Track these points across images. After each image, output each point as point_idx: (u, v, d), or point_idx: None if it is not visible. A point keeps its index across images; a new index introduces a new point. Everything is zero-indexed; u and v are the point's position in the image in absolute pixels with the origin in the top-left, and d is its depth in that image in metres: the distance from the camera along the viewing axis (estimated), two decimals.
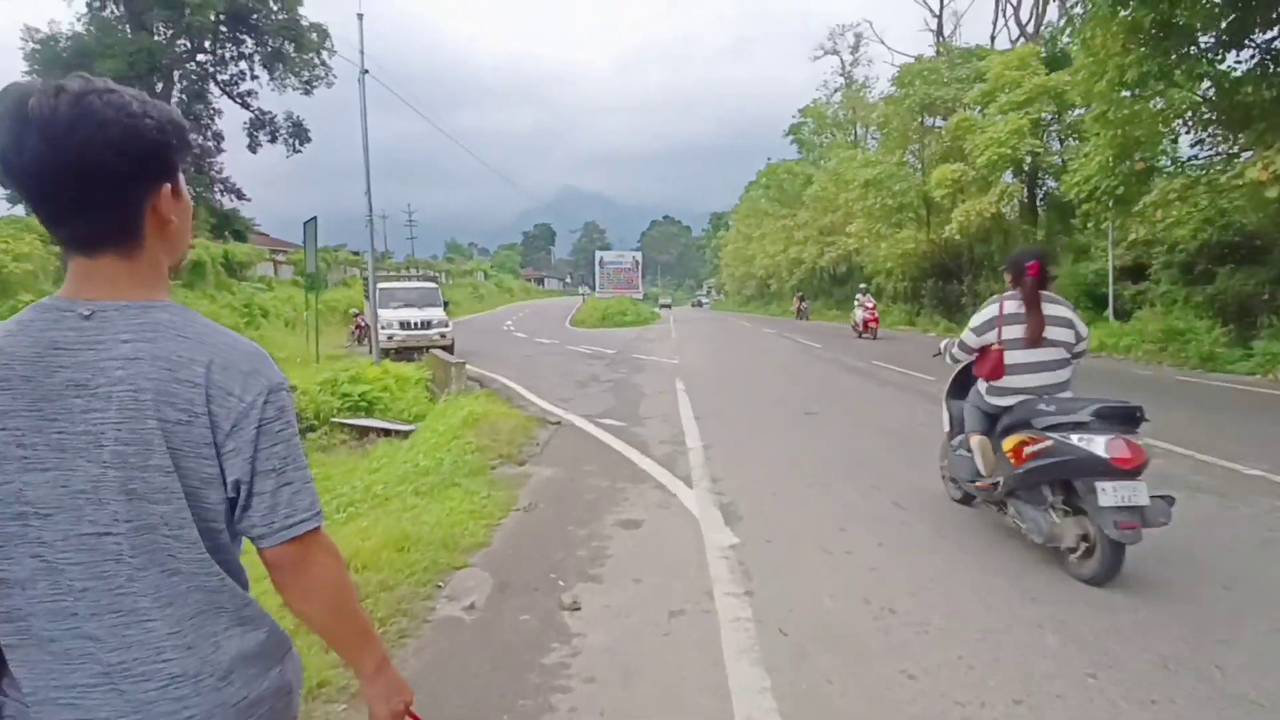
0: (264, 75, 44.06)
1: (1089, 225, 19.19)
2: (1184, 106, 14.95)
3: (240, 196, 45.60)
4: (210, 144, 44.95)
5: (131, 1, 38.46)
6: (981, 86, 25.75)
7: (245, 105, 45.26)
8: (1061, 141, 26.02)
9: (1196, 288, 18.47)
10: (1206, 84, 14.20)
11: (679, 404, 11.07)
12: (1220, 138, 15.83)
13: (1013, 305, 4.65)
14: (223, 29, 41.61)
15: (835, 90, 58.03)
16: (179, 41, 41.31)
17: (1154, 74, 13.74)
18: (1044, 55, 25.76)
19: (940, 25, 39.87)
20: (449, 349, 20.22)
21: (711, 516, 5.40)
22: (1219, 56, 14.35)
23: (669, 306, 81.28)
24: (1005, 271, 4.94)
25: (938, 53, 36.79)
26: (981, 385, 4.76)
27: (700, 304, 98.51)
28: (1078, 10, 15.97)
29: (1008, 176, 25.91)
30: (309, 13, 42.12)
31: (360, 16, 16.28)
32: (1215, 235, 17.57)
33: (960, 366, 5.26)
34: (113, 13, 40.33)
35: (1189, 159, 17.39)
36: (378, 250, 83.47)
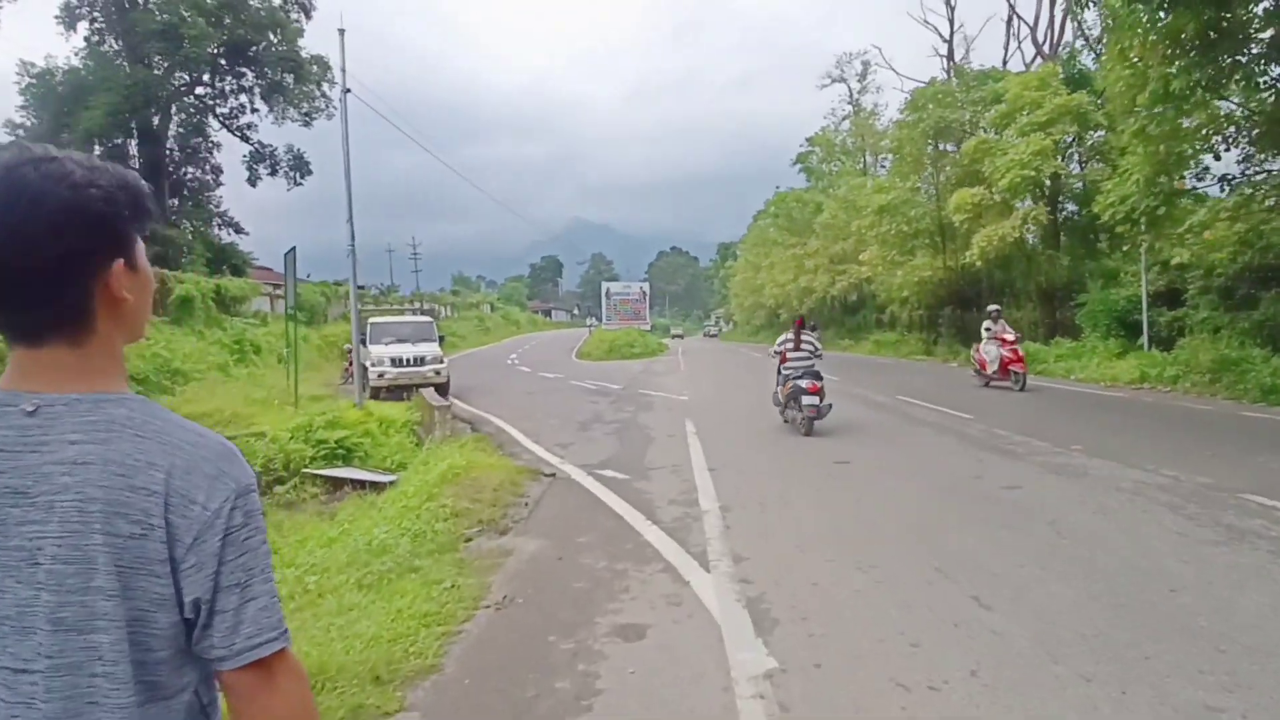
0: (264, 108, 43.75)
1: (1124, 248, 17.98)
2: (1235, 118, 13.79)
3: (238, 230, 45.05)
4: (209, 177, 44.60)
5: (129, 35, 38.15)
6: (1000, 108, 24.74)
7: (245, 138, 44.82)
8: (1083, 164, 24.93)
9: (1240, 314, 17.21)
10: (1268, 94, 13.01)
11: (690, 450, 9.84)
12: (1273, 154, 14.66)
13: (791, 335, 11.89)
14: (222, 61, 41.28)
15: (843, 118, 57.54)
16: (177, 75, 40.95)
17: (1202, 84, 12.61)
18: (1062, 76, 24.82)
19: (951, 50, 39.21)
20: (444, 387, 19.08)
21: (737, 620, 4.14)
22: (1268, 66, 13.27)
23: (681, 337, 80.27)
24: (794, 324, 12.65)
25: (949, 76, 35.98)
26: (781, 366, 11.78)
27: (710, 335, 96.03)
28: (1095, 30, 14.95)
29: (1025, 202, 24.86)
30: (311, 44, 41.86)
31: (341, 32, 15.40)
32: (1255, 258, 16.37)
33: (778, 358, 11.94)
34: (111, 47, 40.05)
35: (1232, 177, 16.25)
36: (383, 285, 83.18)
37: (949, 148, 29.75)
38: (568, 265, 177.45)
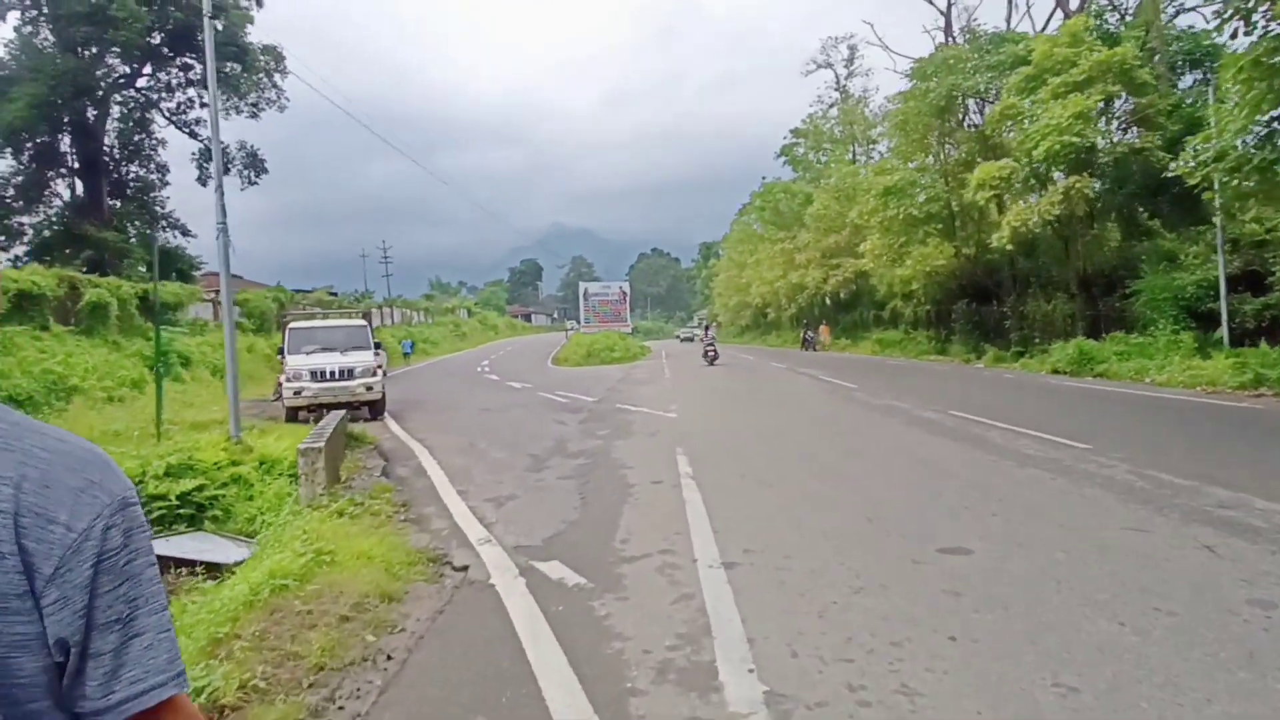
0: (222, 106, 39.99)
1: (1215, 218, 14.80)
2: None
3: (185, 233, 41.18)
4: (153, 176, 40.77)
5: (59, 21, 34.37)
6: (1024, 70, 21.57)
7: (193, 134, 41.07)
8: (1125, 130, 21.78)
9: None
10: None
11: (687, 512, 6.42)
12: None
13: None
14: (165, 50, 37.54)
15: (830, 105, 54.47)
16: (113, 63, 37.16)
17: None
18: (1095, 32, 21.72)
19: (949, 23, 36.08)
20: (377, 405, 15.58)
21: None
22: None
23: (692, 340, 63.35)
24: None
25: (950, 43, 32.80)
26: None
27: (687, 339, 71.16)
28: None
29: (1059, 175, 21.70)
30: (264, 36, 38.36)
31: None
32: None
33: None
34: (46, 39, 36.26)
35: None
36: (357, 291, 79.40)
37: (968, 117, 26.52)
38: (548, 270, 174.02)
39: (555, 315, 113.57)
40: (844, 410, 12.93)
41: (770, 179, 54.88)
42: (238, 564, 6.44)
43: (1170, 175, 15.23)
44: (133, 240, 38.31)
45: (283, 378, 14.91)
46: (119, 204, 39.41)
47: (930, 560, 4.90)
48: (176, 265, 38.81)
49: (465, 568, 5.27)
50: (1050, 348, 20.06)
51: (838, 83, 54.01)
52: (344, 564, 5.01)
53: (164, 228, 40.51)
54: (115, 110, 38.31)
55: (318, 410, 15.43)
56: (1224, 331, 16.05)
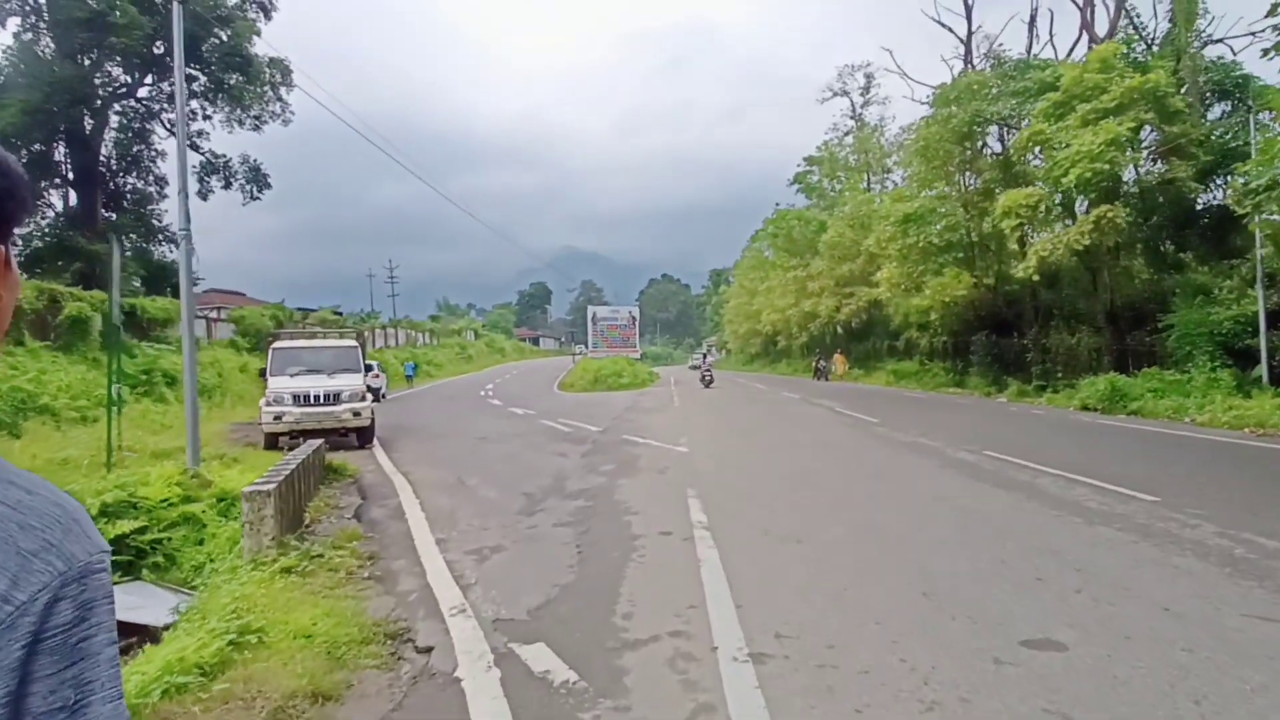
0: (216, 114, 39.73)
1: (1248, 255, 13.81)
2: None
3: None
4: (151, 189, 40.30)
5: (58, 28, 34.09)
6: (1051, 96, 20.75)
7: (195, 147, 40.68)
8: (1155, 160, 20.88)
9: None
10: None
11: (701, 571, 5.40)
12: None
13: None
14: (168, 59, 37.21)
15: (846, 133, 53.92)
16: (113, 72, 36.84)
17: None
18: (1126, 58, 20.93)
19: (969, 51, 35.45)
20: (365, 433, 14.60)
21: None
22: None
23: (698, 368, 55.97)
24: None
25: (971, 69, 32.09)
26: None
27: (695, 366, 59.72)
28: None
29: (1081, 205, 20.80)
30: (273, 49, 38.09)
31: None
32: None
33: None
34: (46, 47, 35.93)
35: None
36: (363, 311, 78.77)
37: (989, 144, 25.69)
38: (557, 293, 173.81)
39: (563, 339, 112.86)
40: (869, 448, 11.87)
41: (784, 205, 54.14)
42: (168, 627, 5.44)
43: (1202, 207, 14.41)
44: (129, 254, 37.76)
45: (263, 401, 13.96)
46: (115, 216, 38.92)
47: (1014, 659, 3.86)
48: (173, 280, 38.17)
49: (429, 649, 4.25)
50: (1078, 383, 18.99)
51: (853, 110, 53.53)
52: (275, 645, 4.00)
53: (160, 241, 39.98)
54: (114, 120, 37.99)
55: (299, 437, 14.50)
56: (1263, 369, 14.99)
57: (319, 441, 10.73)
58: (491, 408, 24.25)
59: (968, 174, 27.07)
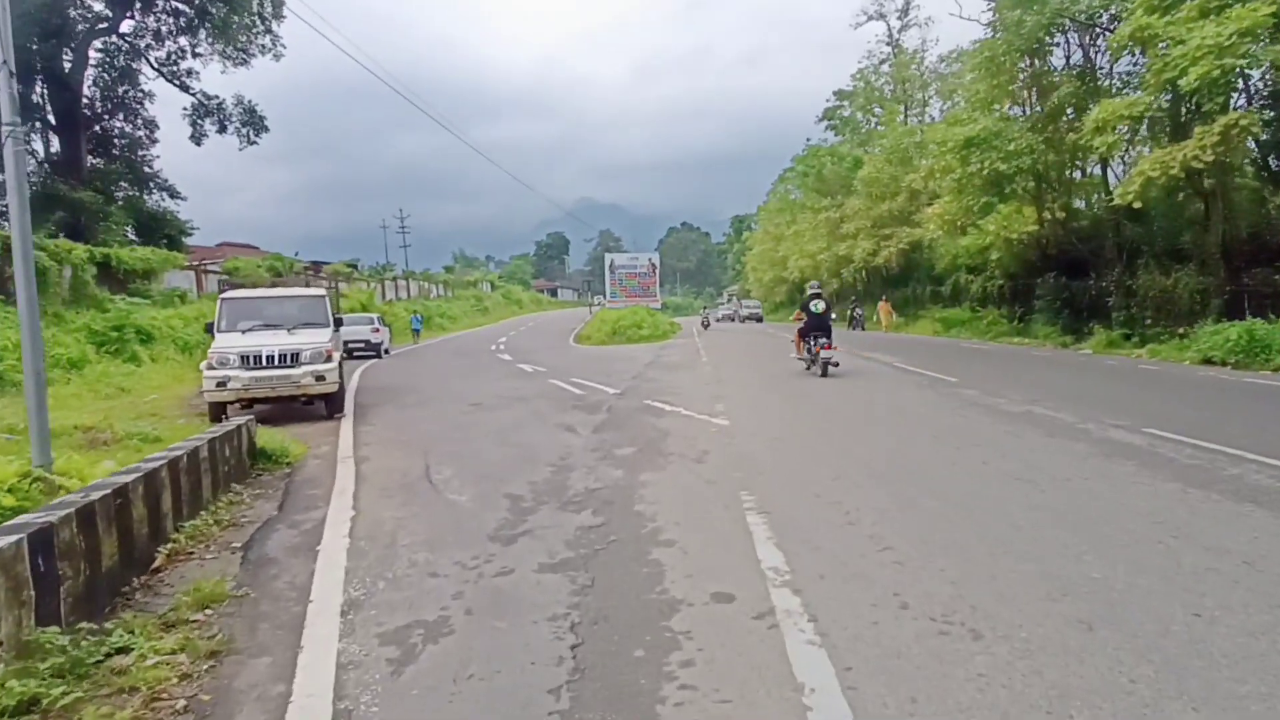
0: (206, 50, 36.69)
1: None
2: None
3: (174, 195, 37.94)
4: (140, 133, 37.55)
5: None
6: None
7: (185, 88, 37.77)
8: None
9: None
10: None
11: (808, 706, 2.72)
12: None
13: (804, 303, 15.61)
14: None
15: (882, 61, 49.63)
16: (91, 4, 33.82)
17: None
18: None
19: None
20: (333, 399, 12.00)
21: None
22: None
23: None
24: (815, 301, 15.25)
25: None
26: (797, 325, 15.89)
27: (733, 317, 59.94)
28: None
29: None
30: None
31: None
32: None
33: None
34: None
35: None
36: (379, 263, 76.26)
37: (1069, 50, 22.02)
38: (575, 244, 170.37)
39: (581, 290, 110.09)
40: (975, 424, 8.99)
41: (815, 141, 50.33)
42: None
43: None
44: (119, 202, 35.27)
45: (204, 364, 11.35)
46: (103, 163, 36.34)
47: None
48: (165, 230, 35.70)
49: None
50: (1193, 331, 15.93)
51: (890, 36, 49.14)
52: None
53: (152, 189, 37.40)
54: (95, 59, 35.11)
55: (251, 406, 11.94)
56: None
57: (245, 417, 8.10)
58: (498, 365, 21.64)
59: (1035, 91, 23.55)
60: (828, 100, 52.40)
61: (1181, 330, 17.02)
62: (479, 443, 9.19)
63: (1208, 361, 14.26)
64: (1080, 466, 6.49)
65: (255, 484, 7.26)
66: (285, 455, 8.31)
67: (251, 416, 8.39)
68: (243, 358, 11.28)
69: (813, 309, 14.98)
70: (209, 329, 12.36)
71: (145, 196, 37.19)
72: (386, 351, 29.70)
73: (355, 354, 27.67)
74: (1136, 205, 16.45)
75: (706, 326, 41.74)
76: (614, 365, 19.69)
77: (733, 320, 58.16)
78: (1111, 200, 18.16)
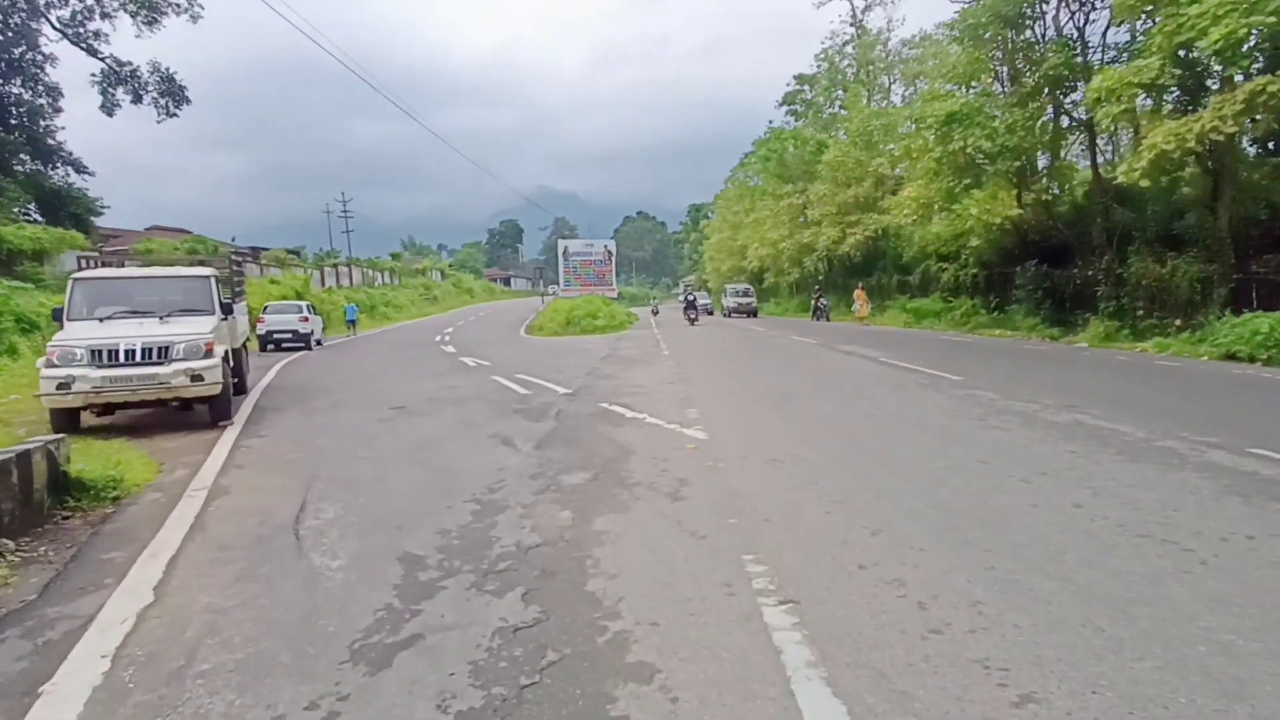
0: (115, 6, 33.38)
1: None
2: None
3: (80, 170, 34.54)
4: (42, 100, 33.98)
5: None
6: None
7: (92, 51, 34.36)
8: None
9: None
10: None
11: None
12: None
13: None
14: None
15: (845, 43, 48.10)
16: None
17: None
18: None
19: None
20: (217, 403, 9.70)
21: None
22: None
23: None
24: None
25: None
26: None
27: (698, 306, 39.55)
28: None
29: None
30: None
31: None
32: None
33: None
34: None
35: None
36: (322, 250, 72.61)
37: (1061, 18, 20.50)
38: (530, 232, 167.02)
39: (534, 279, 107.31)
40: (1016, 439, 7.10)
41: (777, 125, 48.71)
42: None
43: None
44: (20, 177, 31.83)
45: (41, 361, 8.96)
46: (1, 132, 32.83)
47: None
48: (70, 208, 32.36)
49: None
50: (1200, 322, 14.53)
51: (854, 16, 47.59)
52: None
53: (56, 164, 33.95)
54: None
55: (108, 413, 9.61)
56: None
57: (48, 438, 5.86)
58: (438, 359, 19.42)
59: (1018, 64, 22.08)
60: (788, 84, 50.86)
61: (1179, 322, 15.65)
62: (386, 464, 7.08)
63: (1230, 357, 12.82)
64: (1221, 513, 4.67)
65: (45, 536, 5.07)
66: (113, 486, 6.11)
67: (63, 437, 6.13)
68: (93, 353, 8.92)
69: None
70: (56, 316, 9.94)
71: (49, 171, 33.82)
72: (318, 343, 27.09)
73: (283, 345, 25.11)
74: (1145, 184, 14.94)
75: (654, 313, 43.23)
76: (566, 359, 17.65)
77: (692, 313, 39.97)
78: (1115, 178, 16.64)
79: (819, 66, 48.51)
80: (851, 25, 47.84)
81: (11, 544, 4.82)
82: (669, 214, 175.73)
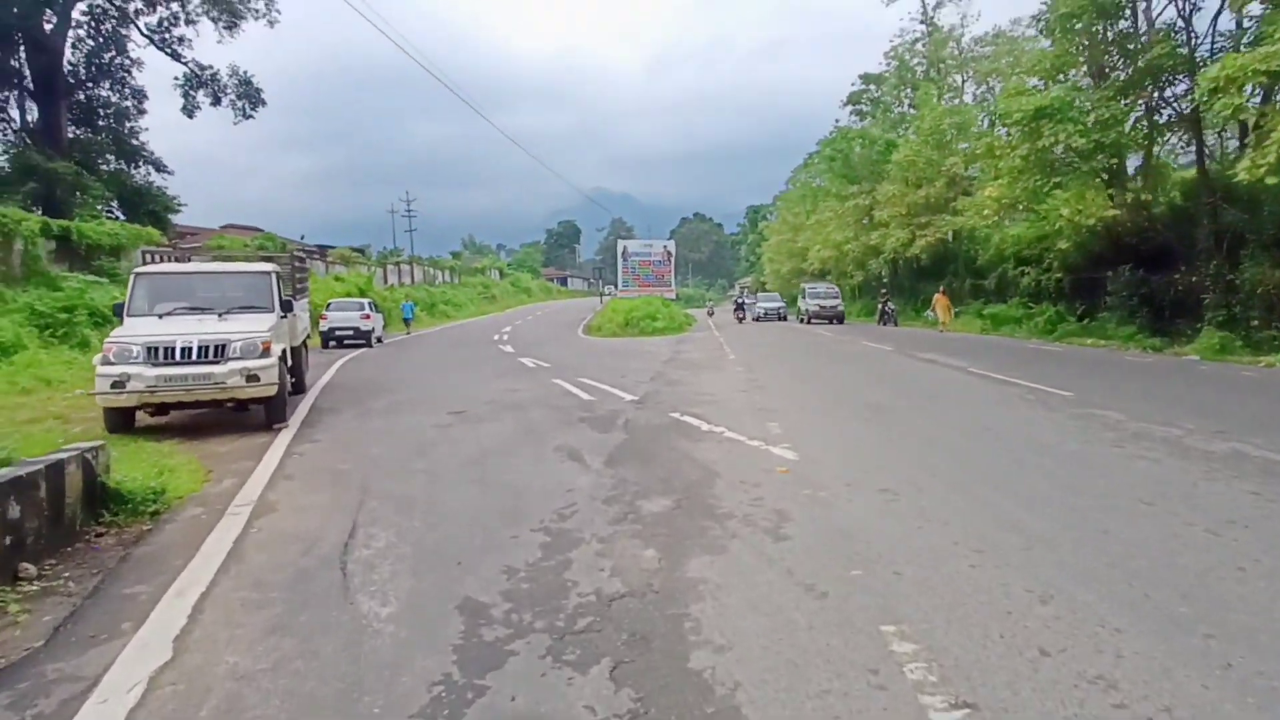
0: (201, 17, 34.08)
1: None
2: None
3: (160, 169, 35.35)
4: (128, 103, 34.88)
5: None
6: None
7: (176, 56, 35.10)
8: None
9: None
10: None
11: None
12: None
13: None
14: None
15: (915, 40, 46.37)
16: None
17: None
18: None
19: None
20: (273, 404, 9.27)
21: None
22: None
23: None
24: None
25: None
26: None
27: (755, 312, 43.15)
28: None
29: None
30: None
31: None
32: None
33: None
34: None
35: None
36: (386, 248, 73.88)
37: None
38: (587, 233, 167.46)
39: (592, 279, 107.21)
40: (1172, 474, 5.95)
41: (843, 124, 47.28)
42: None
43: None
44: (105, 175, 32.73)
45: (98, 359, 8.63)
46: (86, 133, 33.81)
47: None
48: (149, 205, 33.11)
49: None
50: None
51: (925, 14, 45.81)
52: None
53: (139, 163, 34.81)
54: (80, 21, 32.56)
55: (163, 414, 9.26)
56: None
57: (85, 445, 5.37)
58: (497, 359, 18.97)
59: (1114, 56, 20.58)
60: (853, 84, 49.26)
61: None
62: (444, 479, 6.45)
63: None
64: None
65: (73, 558, 4.55)
66: (154, 499, 5.60)
67: (102, 444, 5.64)
68: (149, 350, 8.55)
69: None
70: (116, 311, 9.66)
71: (132, 170, 34.70)
72: (379, 340, 27.09)
73: (344, 342, 25.12)
74: (1271, 180, 13.49)
75: (710, 314, 45.02)
76: (628, 362, 16.96)
77: (740, 313, 42.75)
78: (1235, 175, 15.16)
79: (888, 65, 46.87)
80: (922, 22, 46.07)
81: (34, 569, 4.30)
82: (725, 216, 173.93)
